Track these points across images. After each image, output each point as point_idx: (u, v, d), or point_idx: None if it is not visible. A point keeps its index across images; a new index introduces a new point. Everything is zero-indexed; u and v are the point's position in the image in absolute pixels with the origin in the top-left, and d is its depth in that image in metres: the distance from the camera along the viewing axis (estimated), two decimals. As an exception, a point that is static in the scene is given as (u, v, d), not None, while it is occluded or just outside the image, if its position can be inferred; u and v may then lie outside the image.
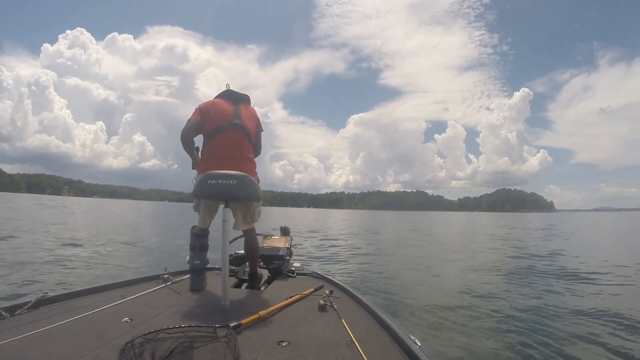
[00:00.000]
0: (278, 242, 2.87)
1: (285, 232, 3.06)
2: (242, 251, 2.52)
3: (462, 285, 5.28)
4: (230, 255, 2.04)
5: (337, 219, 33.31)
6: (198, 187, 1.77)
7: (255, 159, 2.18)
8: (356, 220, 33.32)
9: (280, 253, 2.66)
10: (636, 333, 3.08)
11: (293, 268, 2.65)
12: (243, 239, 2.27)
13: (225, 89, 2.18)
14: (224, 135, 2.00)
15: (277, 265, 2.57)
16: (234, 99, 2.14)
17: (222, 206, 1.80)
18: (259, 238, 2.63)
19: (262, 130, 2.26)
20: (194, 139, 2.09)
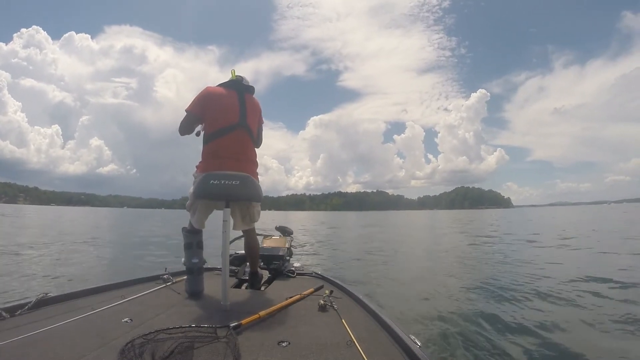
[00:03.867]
0: (278, 242, 2.88)
1: (285, 232, 3.06)
2: (242, 251, 2.52)
3: (461, 285, 5.28)
4: (230, 256, 2.04)
5: (299, 221, 32.59)
6: (199, 187, 1.75)
7: (256, 152, 2.12)
8: (322, 221, 32.49)
9: (280, 253, 2.66)
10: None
11: (293, 268, 2.65)
12: (243, 239, 2.26)
13: (231, 76, 2.04)
14: (229, 137, 1.91)
15: (277, 265, 2.57)
16: (240, 90, 2.01)
17: (223, 206, 1.80)
18: (259, 238, 2.63)
19: (263, 122, 2.19)
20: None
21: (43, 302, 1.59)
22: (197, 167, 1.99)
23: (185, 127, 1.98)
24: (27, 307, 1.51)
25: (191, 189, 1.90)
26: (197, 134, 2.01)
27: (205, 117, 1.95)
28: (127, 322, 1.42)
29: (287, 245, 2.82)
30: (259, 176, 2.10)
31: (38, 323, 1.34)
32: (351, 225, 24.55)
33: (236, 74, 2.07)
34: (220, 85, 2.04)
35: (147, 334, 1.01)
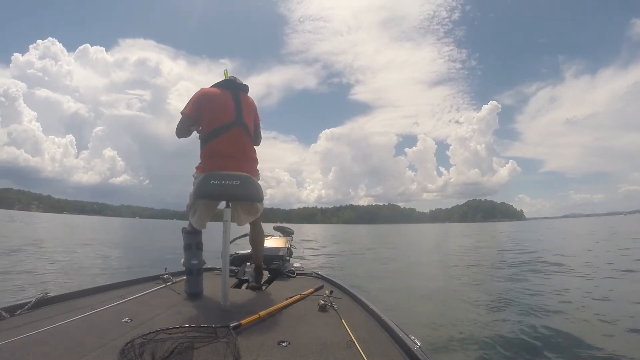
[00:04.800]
0: (278, 242, 2.88)
1: (285, 232, 3.07)
2: (243, 251, 2.53)
3: (461, 286, 5.28)
4: (230, 256, 2.03)
5: (314, 233, 32.41)
6: (200, 188, 1.75)
7: (256, 149, 2.11)
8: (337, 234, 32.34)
9: (280, 253, 2.66)
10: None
11: (293, 268, 2.66)
12: (243, 239, 2.26)
13: (224, 76, 2.04)
14: (227, 136, 1.91)
15: (277, 266, 2.57)
16: (234, 89, 2.01)
17: (223, 206, 1.79)
18: None
19: (260, 120, 2.18)
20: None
21: (43, 302, 1.59)
22: (196, 168, 1.98)
23: (182, 130, 1.97)
24: (27, 307, 1.50)
25: (191, 190, 1.90)
26: (199, 136, 2.00)
27: (202, 118, 1.94)
28: (127, 322, 1.42)
29: (287, 245, 2.83)
30: (260, 174, 2.10)
31: (38, 323, 1.34)
32: (361, 239, 24.58)
33: (229, 74, 2.07)
34: (213, 85, 2.03)
35: (147, 334, 1.01)
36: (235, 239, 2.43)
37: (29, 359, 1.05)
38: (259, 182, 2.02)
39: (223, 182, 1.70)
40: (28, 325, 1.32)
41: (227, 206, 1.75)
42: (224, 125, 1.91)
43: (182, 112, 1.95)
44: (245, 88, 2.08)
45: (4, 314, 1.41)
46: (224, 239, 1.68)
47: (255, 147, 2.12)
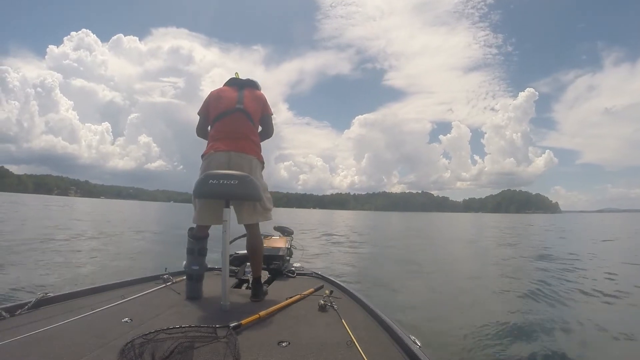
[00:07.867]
0: (278, 242, 2.88)
1: (285, 232, 3.06)
2: (242, 251, 2.52)
3: (462, 285, 5.27)
4: (230, 256, 2.03)
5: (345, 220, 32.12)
6: (198, 187, 1.75)
7: (264, 141, 2.22)
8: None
9: (280, 253, 2.66)
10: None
11: (293, 268, 2.66)
12: (244, 239, 2.25)
13: (234, 76, 2.23)
14: (226, 119, 2.02)
15: (277, 266, 2.57)
16: (239, 85, 2.17)
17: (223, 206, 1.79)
18: None
19: (272, 114, 2.24)
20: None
21: (43, 302, 1.59)
22: (201, 156, 2.05)
23: (198, 128, 2.19)
24: (27, 307, 1.51)
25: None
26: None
27: (209, 112, 2.10)
28: (127, 322, 1.42)
29: (287, 245, 2.83)
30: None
31: (38, 323, 1.34)
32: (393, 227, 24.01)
33: (239, 75, 2.24)
34: (223, 85, 2.21)
35: (147, 334, 1.01)
36: (235, 239, 2.43)
37: (29, 359, 1.05)
38: (262, 165, 2.10)
39: (221, 181, 1.71)
40: (28, 325, 1.32)
41: (227, 206, 1.75)
42: (224, 111, 2.03)
43: (197, 113, 2.15)
44: (252, 84, 2.20)
45: (4, 314, 1.41)
46: (223, 239, 1.68)
47: (266, 137, 2.25)
